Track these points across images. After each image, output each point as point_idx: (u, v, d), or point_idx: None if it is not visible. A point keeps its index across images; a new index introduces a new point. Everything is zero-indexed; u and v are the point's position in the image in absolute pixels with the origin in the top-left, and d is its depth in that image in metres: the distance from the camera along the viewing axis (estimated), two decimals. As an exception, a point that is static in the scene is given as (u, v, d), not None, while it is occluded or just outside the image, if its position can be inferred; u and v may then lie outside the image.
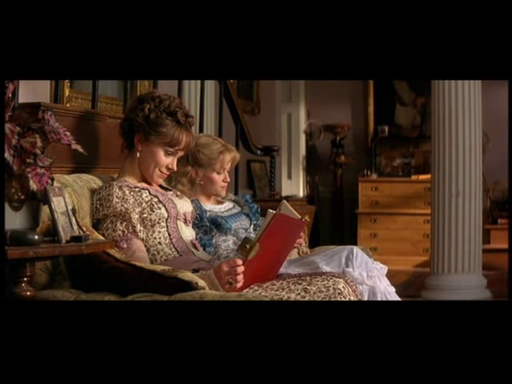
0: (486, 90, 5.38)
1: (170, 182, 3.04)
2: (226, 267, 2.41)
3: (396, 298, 2.69)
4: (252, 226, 3.07)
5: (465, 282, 5.04)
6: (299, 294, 2.41)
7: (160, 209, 2.68)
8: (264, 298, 2.32)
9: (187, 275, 2.35)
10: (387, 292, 2.64)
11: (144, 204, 2.67)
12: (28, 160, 2.04)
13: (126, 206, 2.61)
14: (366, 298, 2.59)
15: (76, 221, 2.26)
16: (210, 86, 4.95)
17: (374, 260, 2.72)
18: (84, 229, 2.42)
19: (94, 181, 2.79)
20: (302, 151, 8.51)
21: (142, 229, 2.65)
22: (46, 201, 2.09)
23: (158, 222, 2.68)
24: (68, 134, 2.14)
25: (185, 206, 2.83)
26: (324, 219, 8.11)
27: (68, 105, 4.12)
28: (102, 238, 2.56)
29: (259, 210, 3.19)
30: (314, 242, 4.24)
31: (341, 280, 2.46)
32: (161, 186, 2.87)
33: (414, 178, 7.78)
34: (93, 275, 2.46)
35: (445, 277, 5.07)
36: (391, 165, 8.21)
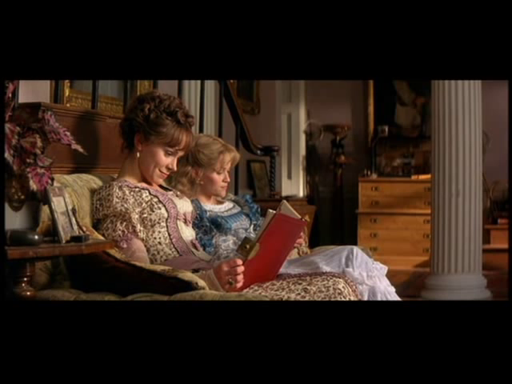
0: (486, 89, 5.38)
1: (170, 181, 3.04)
2: (226, 267, 2.41)
3: (396, 298, 2.69)
4: (252, 225, 3.07)
5: (465, 282, 5.04)
6: (299, 294, 2.41)
7: (160, 209, 2.68)
8: (264, 297, 2.32)
9: (187, 275, 2.35)
10: (387, 292, 2.64)
11: (144, 204, 2.67)
12: (28, 160, 2.04)
13: (125, 205, 2.61)
14: (366, 298, 2.59)
15: (76, 221, 2.26)
16: (210, 86, 4.95)
17: (373, 260, 2.72)
18: (84, 229, 2.42)
19: (94, 181, 2.79)
20: (302, 151, 8.51)
21: (142, 229, 2.65)
22: (46, 201, 2.09)
23: (158, 222, 2.68)
24: (68, 133, 2.14)
25: (185, 206, 2.83)
26: (324, 219, 8.11)
27: (68, 105, 4.12)
28: (101, 238, 2.56)
29: (259, 209, 3.19)
30: (314, 242, 4.24)
31: (341, 280, 2.46)
32: (161, 186, 2.87)
33: (414, 178, 7.78)
34: (93, 275, 2.47)
35: (445, 277, 5.07)
36: (391, 165, 8.21)
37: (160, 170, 2.76)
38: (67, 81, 4.15)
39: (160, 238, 2.67)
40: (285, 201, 2.71)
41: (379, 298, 2.61)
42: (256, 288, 2.47)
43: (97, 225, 2.65)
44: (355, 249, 2.68)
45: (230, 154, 3.11)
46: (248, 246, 2.43)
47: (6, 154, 2.00)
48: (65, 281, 2.51)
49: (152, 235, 2.67)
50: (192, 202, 2.94)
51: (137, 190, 2.69)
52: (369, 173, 7.94)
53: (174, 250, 2.68)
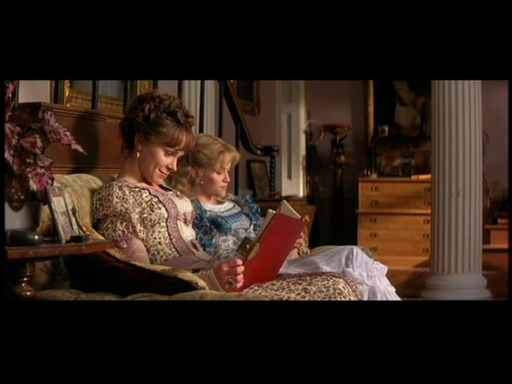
0: (486, 89, 5.38)
1: (170, 181, 3.04)
2: (226, 267, 2.41)
3: (396, 298, 2.69)
4: (252, 226, 3.07)
5: (465, 282, 5.04)
6: (299, 294, 2.41)
7: (160, 209, 2.69)
8: (264, 297, 2.32)
9: (187, 275, 2.35)
10: (387, 292, 2.64)
11: (144, 204, 2.67)
12: (28, 160, 2.04)
13: (126, 205, 2.61)
14: (366, 298, 2.59)
15: (76, 221, 2.26)
16: (210, 86, 4.94)
17: (373, 260, 2.72)
18: (84, 229, 2.42)
19: (94, 181, 2.79)
20: (302, 151, 8.51)
21: (141, 229, 2.65)
22: (46, 201, 2.09)
23: (158, 222, 2.68)
24: (68, 134, 2.14)
25: (185, 206, 2.83)
26: (324, 219, 8.11)
27: (68, 105, 4.12)
28: (101, 238, 2.56)
29: (259, 210, 3.19)
30: (314, 242, 4.24)
31: (341, 280, 2.46)
32: (161, 186, 2.87)
33: (414, 178, 7.78)
34: (93, 275, 2.46)
35: (445, 277, 5.07)
36: (391, 165, 8.21)
37: (160, 170, 2.76)
38: (67, 81, 4.15)
39: (160, 237, 2.67)
40: (285, 201, 2.71)
41: (379, 298, 2.61)
42: (256, 288, 2.47)
43: (97, 225, 2.65)
44: (355, 249, 2.68)
45: (230, 154, 3.11)
46: (248, 246, 2.43)
47: (6, 154, 2.00)
48: (65, 281, 2.51)
49: (152, 235, 2.67)
50: (192, 201, 2.94)
51: (137, 190, 2.69)
52: (369, 173, 7.94)
53: (174, 250, 2.68)
